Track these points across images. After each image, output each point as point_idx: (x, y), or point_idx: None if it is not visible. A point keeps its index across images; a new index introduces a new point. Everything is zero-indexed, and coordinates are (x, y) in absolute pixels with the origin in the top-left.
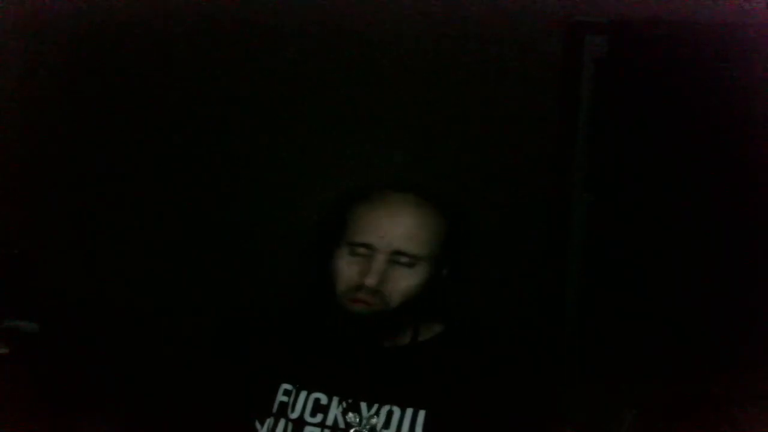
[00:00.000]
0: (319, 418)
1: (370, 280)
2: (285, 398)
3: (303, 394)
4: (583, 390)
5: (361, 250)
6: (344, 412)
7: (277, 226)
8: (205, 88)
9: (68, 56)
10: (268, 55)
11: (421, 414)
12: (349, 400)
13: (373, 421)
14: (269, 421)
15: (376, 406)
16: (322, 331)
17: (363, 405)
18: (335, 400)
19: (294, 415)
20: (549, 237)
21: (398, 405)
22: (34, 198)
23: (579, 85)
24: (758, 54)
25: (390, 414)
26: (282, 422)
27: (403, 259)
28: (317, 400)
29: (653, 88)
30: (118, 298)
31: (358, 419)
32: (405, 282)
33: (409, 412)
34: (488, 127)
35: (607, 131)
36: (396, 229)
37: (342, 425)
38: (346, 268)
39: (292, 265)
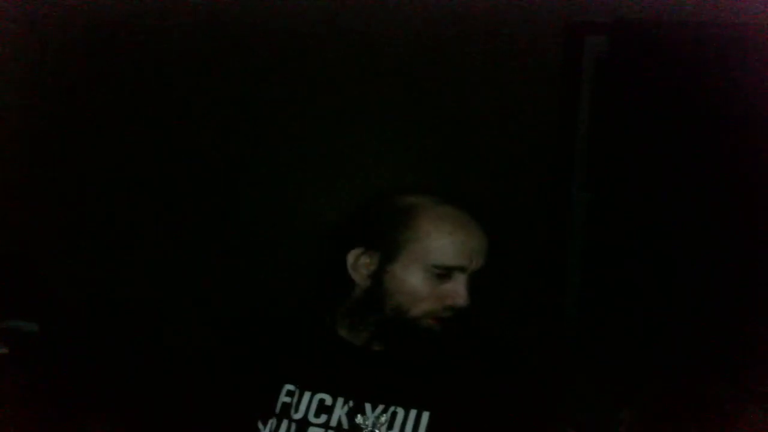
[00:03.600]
0: (323, 418)
1: (463, 302)
2: (288, 399)
3: (307, 395)
4: (583, 390)
5: (451, 272)
6: (350, 414)
7: (285, 229)
8: (210, 90)
9: (68, 56)
10: (276, 56)
11: (425, 415)
12: (353, 401)
13: (382, 419)
14: (272, 422)
15: (380, 407)
16: (330, 335)
17: (367, 406)
18: (340, 401)
19: (297, 416)
20: (549, 236)
21: (402, 406)
22: (33, 199)
23: (579, 85)
24: (758, 54)
25: (394, 415)
26: (285, 423)
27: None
28: (321, 400)
29: (653, 88)
30: (119, 298)
31: (368, 422)
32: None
33: (413, 413)
34: (488, 127)
35: (607, 131)
36: (480, 247)
37: (346, 426)
38: (430, 288)
39: (298, 266)
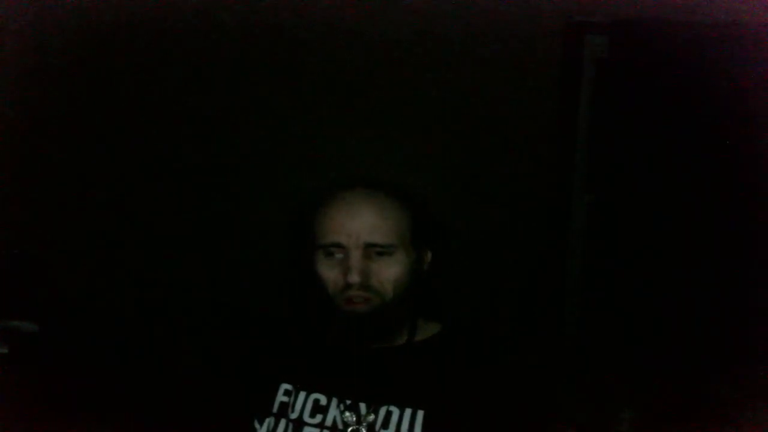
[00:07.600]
0: (318, 418)
1: (354, 278)
2: (285, 398)
3: (302, 395)
4: (583, 390)
5: (335, 250)
6: (342, 412)
7: (278, 227)
8: (204, 89)
9: (68, 56)
10: (265, 56)
11: (420, 414)
12: (348, 401)
13: (370, 418)
14: (269, 421)
15: (374, 406)
16: (322, 335)
17: (362, 405)
18: (334, 400)
19: (294, 416)
20: (549, 237)
21: (397, 405)
22: (34, 198)
23: (579, 85)
24: (758, 54)
25: (389, 414)
26: (282, 422)
27: (378, 250)
28: (316, 400)
29: (653, 88)
30: (118, 298)
31: (354, 418)
32: (389, 271)
33: (408, 412)
34: (488, 127)
35: (607, 131)
36: (360, 223)
37: (340, 425)
38: (328, 272)
39: (288, 266)
